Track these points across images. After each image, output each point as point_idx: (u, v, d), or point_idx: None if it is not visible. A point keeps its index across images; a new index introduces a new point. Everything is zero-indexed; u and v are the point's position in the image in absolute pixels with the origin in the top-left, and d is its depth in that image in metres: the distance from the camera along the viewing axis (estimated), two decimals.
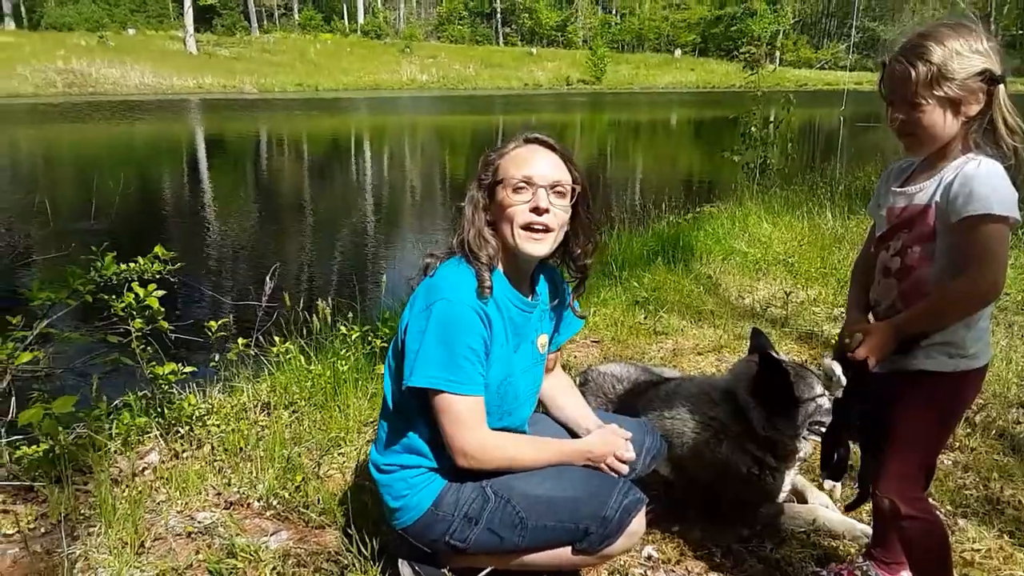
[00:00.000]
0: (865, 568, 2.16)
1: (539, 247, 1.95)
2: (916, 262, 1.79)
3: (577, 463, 2.03)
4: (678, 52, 60.01)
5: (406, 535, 2.06)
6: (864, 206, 7.56)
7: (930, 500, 2.01)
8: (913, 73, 1.68)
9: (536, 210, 1.91)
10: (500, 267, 1.99)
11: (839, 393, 1.86)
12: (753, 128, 9.05)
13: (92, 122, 23.95)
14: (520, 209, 1.92)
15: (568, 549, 1.96)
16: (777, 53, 57.64)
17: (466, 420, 1.89)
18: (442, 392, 1.86)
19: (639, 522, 1.96)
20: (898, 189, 1.87)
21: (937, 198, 1.73)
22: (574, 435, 2.22)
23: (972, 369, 1.79)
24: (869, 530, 2.41)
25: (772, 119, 9.45)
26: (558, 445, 2.07)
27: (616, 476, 2.04)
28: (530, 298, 2.08)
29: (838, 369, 1.81)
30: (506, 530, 1.94)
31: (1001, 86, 1.68)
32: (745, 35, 54.11)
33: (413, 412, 1.98)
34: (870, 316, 1.95)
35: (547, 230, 1.94)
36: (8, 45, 38.37)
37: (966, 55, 1.66)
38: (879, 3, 64.95)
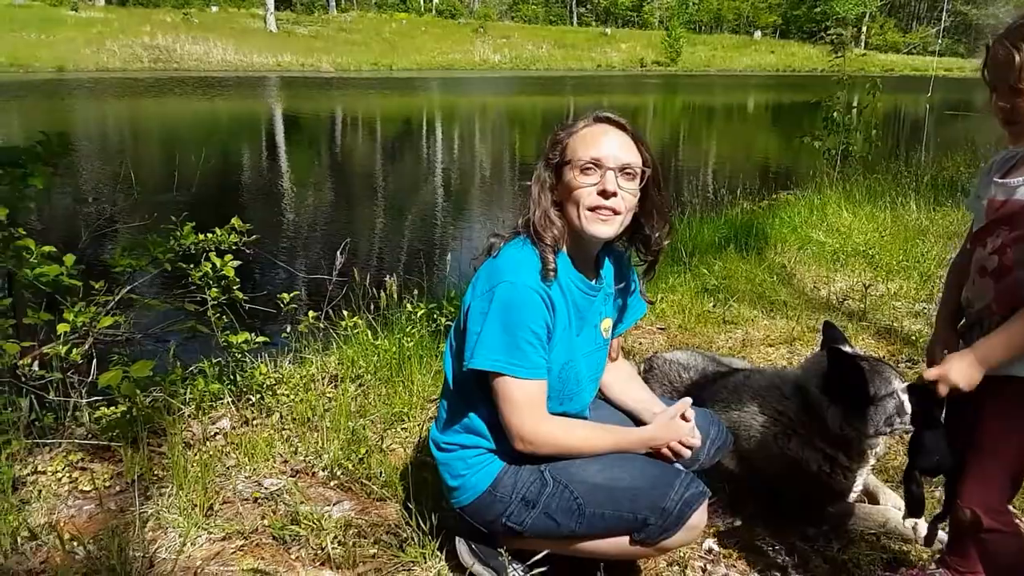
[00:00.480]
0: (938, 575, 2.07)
1: (605, 228, 1.90)
2: (1014, 263, 1.67)
3: (638, 451, 1.99)
4: (758, 34, 58.35)
5: (464, 514, 2.06)
6: (951, 197, 7.24)
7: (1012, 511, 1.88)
8: (1017, 57, 1.57)
9: (604, 193, 1.87)
10: (565, 249, 1.96)
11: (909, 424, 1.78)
12: (836, 113, 8.73)
13: (176, 97, 24.80)
14: (587, 191, 1.88)
15: (626, 539, 1.93)
16: (863, 36, 55.44)
17: (525, 404, 1.87)
18: (503, 375, 1.85)
19: (700, 516, 1.91)
20: (1000, 180, 1.76)
21: None
22: (637, 422, 2.19)
23: None
24: (943, 534, 2.31)
25: (856, 104, 9.10)
26: (618, 432, 2.03)
27: (679, 467, 2.00)
28: (594, 281, 2.04)
29: (905, 397, 1.73)
30: (563, 515, 1.92)
31: None
32: (829, 17, 52.21)
33: (473, 393, 1.97)
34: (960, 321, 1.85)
35: (615, 212, 1.89)
36: (98, 21, 39.94)
37: None
38: None
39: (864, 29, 56.57)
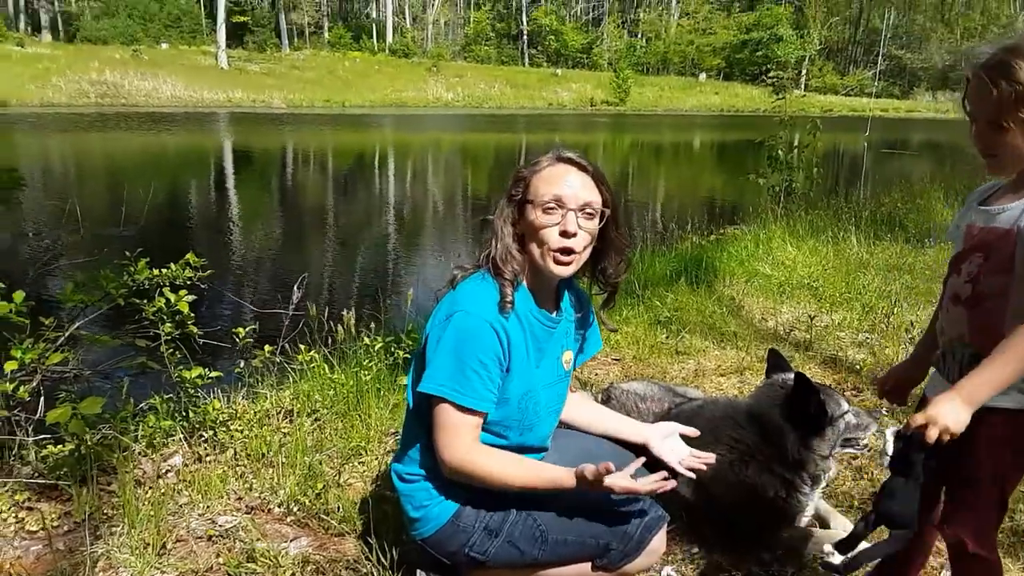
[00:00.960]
0: None
1: (564, 269, 1.95)
2: (990, 291, 1.65)
3: (564, 488, 1.90)
4: (703, 76, 60.06)
5: (426, 546, 2.05)
6: (890, 232, 7.54)
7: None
8: (995, 92, 1.56)
9: (565, 233, 1.91)
10: (525, 282, 2.00)
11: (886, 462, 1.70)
12: (779, 152, 9.04)
13: (123, 132, 24.37)
14: (550, 232, 1.92)
15: (588, 565, 1.95)
16: (803, 79, 57.51)
17: (455, 431, 1.88)
18: (444, 401, 1.87)
19: (660, 540, 1.95)
20: (979, 207, 1.75)
21: (1021, 223, 1.59)
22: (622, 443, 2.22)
23: None
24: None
25: (797, 143, 9.43)
26: (543, 470, 1.95)
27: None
28: (555, 314, 2.09)
29: (889, 436, 1.66)
30: (527, 544, 1.93)
31: None
32: (771, 60, 54.08)
33: (431, 420, 1.97)
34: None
35: (574, 251, 1.94)
36: (44, 56, 39.18)
37: None
38: (906, 32, 64.84)
39: (804, 72, 58.67)
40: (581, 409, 2.33)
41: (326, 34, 62.54)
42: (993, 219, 1.68)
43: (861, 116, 35.62)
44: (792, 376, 2.48)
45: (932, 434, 1.54)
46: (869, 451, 3.13)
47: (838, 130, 27.01)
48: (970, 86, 1.64)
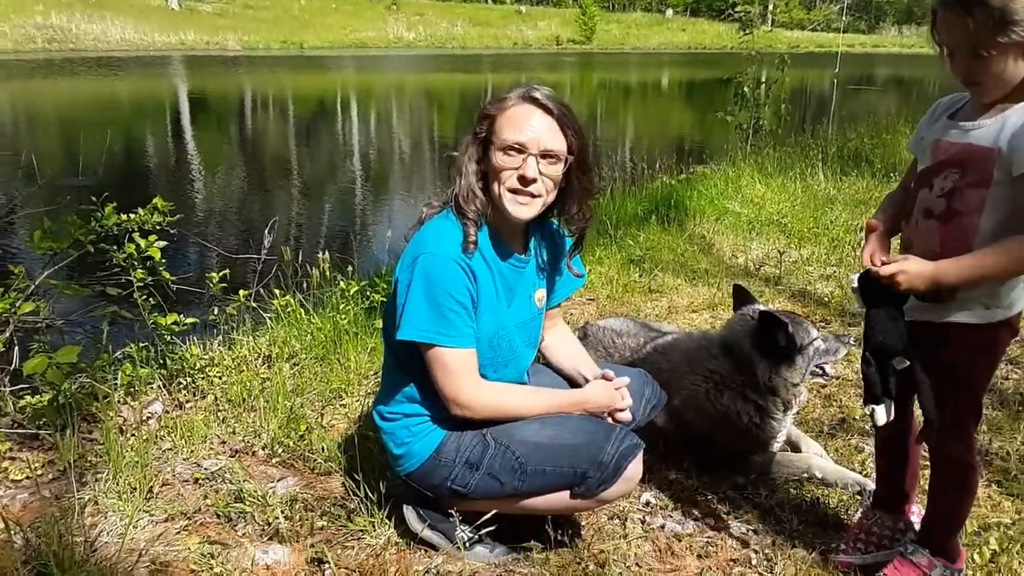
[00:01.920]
0: (881, 520, 2.15)
1: (524, 211, 1.95)
2: (966, 208, 1.66)
3: (573, 412, 2.07)
4: (669, 12, 59.30)
5: (410, 480, 2.10)
6: (856, 167, 7.61)
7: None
8: (971, 22, 1.53)
9: (523, 179, 1.90)
10: (491, 222, 2.00)
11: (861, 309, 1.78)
12: (746, 89, 9.02)
13: (73, 79, 23.51)
14: (509, 175, 1.91)
15: (567, 493, 2.00)
16: (770, 14, 57.07)
17: (458, 371, 1.92)
18: (433, 345, 1.89)
19: (635, 467, 2.00)
20: (951, 121, 1.73)
21: (1001, 143, 1.59)
22: (575, 385, 2.27)
23: (1008, 317, 1.74)
24: (861, 478, 2.48)
25: (765, 80, 9.42)
26: (553, 395, 2.11)
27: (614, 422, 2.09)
28: (523, 254, 2.09)
29: (855, 280, 1.74)
30: (506, 475, 1.98)
31: None
32: None
33: (411, 363, 2.00)
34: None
35: (534, 196, 1.93)
36: None
37: None
38: None
39: (770, 7, 58.20)
40: (559, 347, 2.37)
41: None
42: (967, 134, 1.67)
43: (828, 52, 35.54)
44: (759, 308, 2.57)
45: (897, 276, 1.64)
46: (838, 379, 3.25)
47: (805, 66, 26.98)
48: (939, 18, 1.61)
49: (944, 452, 1.87)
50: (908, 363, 1.70)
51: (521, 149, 1.90)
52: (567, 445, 1.97)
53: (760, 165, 7.70)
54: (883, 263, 1.69)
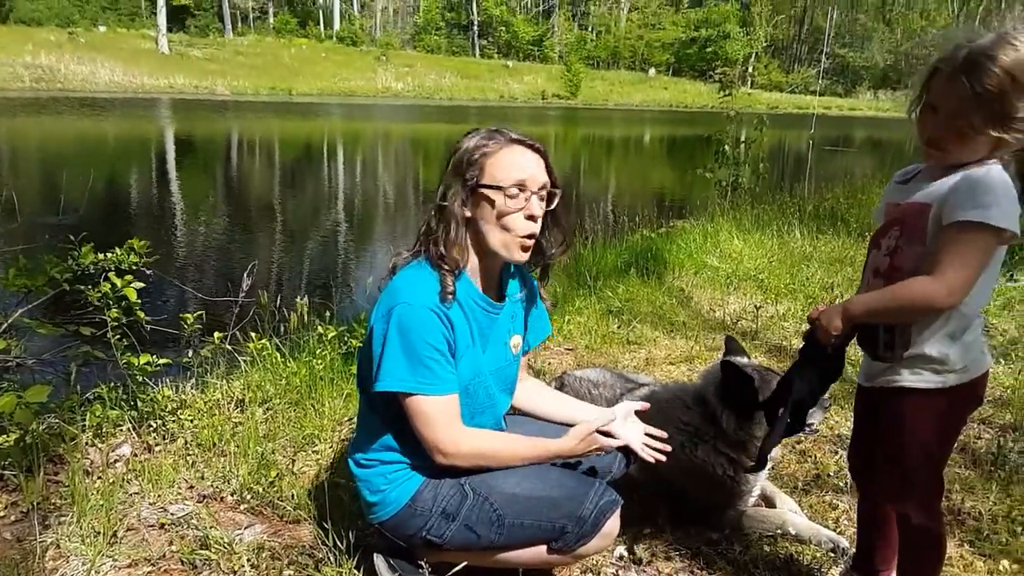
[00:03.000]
0: None
1: (525, 255, 1.97)
2: (904, 265, 1.71)
3: (555, 460, 2.05)
4: (652, 71, 60.73)
5: (383, 529, 2.07)
6: (832, 226, 7.76)
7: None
8: (975, 100, 1.56)
9: (531, 217, 1.91)
10: (468, 269, 1.99)
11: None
12: (726, 147, 9.21)
13: (59, 118, 23.54)
14: (515, 217, 1.90)
15: (544, 548, 1.98)
16: (749, 76, 58.61)
17: (440, 419, 1.90)
18: (413, 395, 1.88)
19: (614, 523, 1.98)
20: (900, 184, 1.81)
21: (934, 198, 1.65)
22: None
23: (964, 383, 1.74)
24: (835, 536, 2.48)
25: (744, 139, 9.63)
26: (536, 443, 2.08)
27: (592, 477, 2.08)
28: (497, 300, 2.09)
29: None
30: (483, 527, 1.96)
31: None
32: (719, 57, 55.05)
33: (388, 412, 1.98)
34: None
35: (534, 237, 1.95)
36: None
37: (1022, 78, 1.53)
38: (849, 31, 66.60)
39: (750, 69, 59.82)
40: (543, 396, 2.34)
41: (271, 19, 61.44)
42: (910, 195, 1.73)
43: (806, 113, 36.47)
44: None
45: (820, 319, 1.80)
46: (814, 433, 3.25)
47: (783, 127, 27.64)
48: (943, 77, 1.62)
49: (906, 520, 1.87)
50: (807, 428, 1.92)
51: (523, 188, 1.90)
52: (547, 498, 1.95)
53: (738, 221, 7.82)
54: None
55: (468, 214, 1.95)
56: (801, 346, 1.93)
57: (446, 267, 1.92)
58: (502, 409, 2.20)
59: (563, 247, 2.11)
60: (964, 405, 1.81)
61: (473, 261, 1.99)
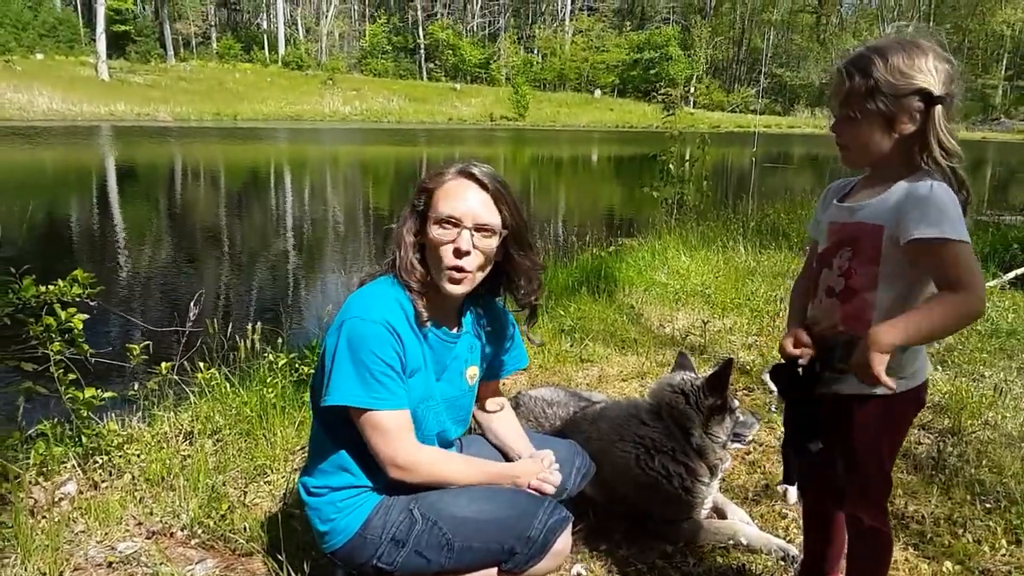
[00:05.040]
0: None
1: (457, 288, 1.97)
2: (860, 285, 1.76)
3: (504, 485, 2.07)
4: (598, 92, 61.66)
5: (335, 559, 2.06)
6: (775, 241, 7.96)
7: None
8: (848, 84, 1.67)
9: (457, 252, 1.93)
10: (425, 293, 2.00)
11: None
12: (671, 166, 9.40)
13: None
14: (445, 249, 1.93)
15: (494, 570, 1.99)
16: (691, 96, 59.91)
17: (395, 432, 1.91)
18: (366, 410, 1.88)
19: (564, 541, 2.00)
20: (840, 204, 1.85)
21: (887, 219, 1.70)
22: (507, 458, 2.28)
23: (911, 388, 1.80)
24: (785, 544, 2.54)
25: (688, 158, 9.85)
26: (486, 465, 2.12)
27: (543, 496, 2.09)
28: (455, 330, 2.11)
29: (766, 375, 1.88)
30: (433, 552, 1.95)
31: (937, 107, 1.65)
32: (661, 78, 56.16)
33: (340, 429, 1.98)
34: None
35: (466, 271, 1.95)
36: None
37: (907, 72, 1.63)
38: (785, 51, 68.71)
39: (692, 89, 61.16)
40: (496, 424, 2.37)
41: (214, 45, 60.83)
42: (854, 214, 1.79)
43: (746, 132, 37.40)
44: (685, 376, 2.69)
45: (873, 365, 1.61)
46: (761, 445, 3.34)
47: (725, 145, 28.29)
48: (833, 82, 1.74)
49: (857, 522, 1.92)
50: (822, 445, 1.81)
51: (456, 223, 1.93)
52: (495, 520, 1.96)
53: (685, 238, 7.98)
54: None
55: (420, 240, 2.00)
56: (777, 385, 1.91)
57: (412, 289, 1.95)
58: (450, 438, 2.20)
59: (532, 288, 2.12)
60: (912, 409, 1.88)
61: (430, 288, 2.00)
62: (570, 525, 2.01)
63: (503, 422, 2.37)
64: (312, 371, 3.58)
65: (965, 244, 1.61)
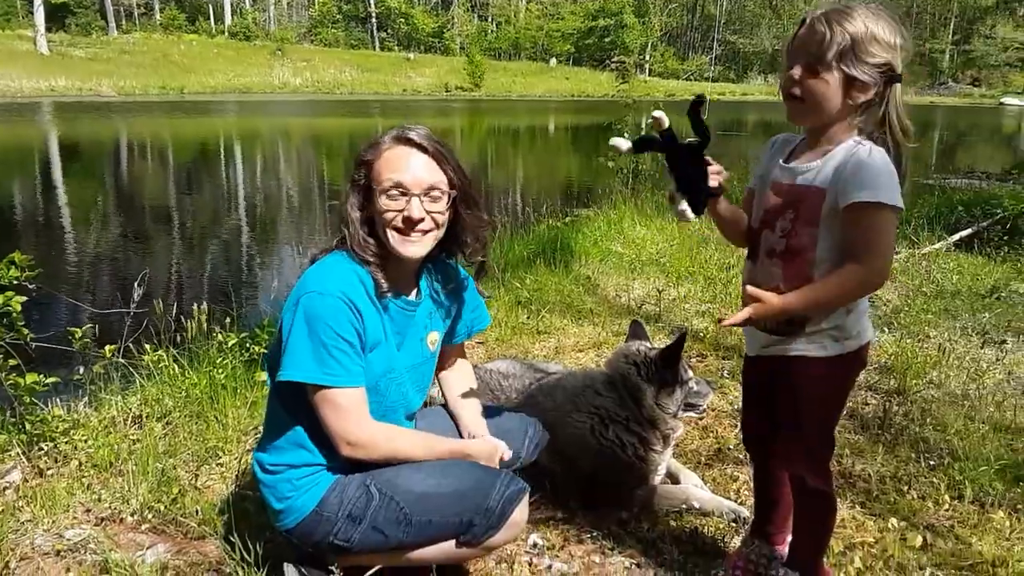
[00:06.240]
0: (758, 548, 2.23)
1: (416, 249, 1.97)
2: (801, 245, 1.78)
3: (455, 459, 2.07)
4: (553, 61, 61.28)
5: (291, 537, 2.04)
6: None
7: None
8: (827, 35, 1.66)
9: (408, 220, 1.92)
10: (381, 264, 1.99)
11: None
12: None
13: None
14: (393, 215, 1.93)
15: (452, 543, 1.99)
16: (646, 64, 59.91)
17: (349, 409, 1.90)
18: (321, 387, 1.87)
19: (521, 512, 2.01)
20: (784, 164, 1.86)
21: (828, 182, 1.72)
22: (459, 428, 2.28)
23: (856, 348, 1.84)
24: (736, 506, 2.59)
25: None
26: (440, 442, 2.11)
27: (498, 468, 2.10)
28: (413, 296, 2.10)
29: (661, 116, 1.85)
30: (391, 527, 1.95)
31: (897, 85, 1.69)
32: (617, 46, 56.04)
33: (296, 406, 1.96)
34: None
35: (424, 233, 1.96)
36: None
37: (880, 42, 1.66)
38: (739, 18, 68.98)
39: (647, 57, 61.16)
40: (452, 388, 2.37)
41: (158, 16, 58.81)
42: (796, 177, 1.81)
43: None
44: (640, 344, 2.69)
45: (752, 317, 1.74)
46: (714, 411, 3.39)
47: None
48: (804, 27, 1.72)
49: (802, 483, 1.96)
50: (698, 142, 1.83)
51: (405, 191, 1.92)
52: (453, 493, 1.96)
53: (640, 208, 8.01)
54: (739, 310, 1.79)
55: (367, 214, 1.98)
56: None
57: (368, 263, 1.94)
58: (414, 408, 2.20)
59: (478, 246, 2.12)
60: (856, 369, 1.92)
61: (386, 256, 1.98)
62: (527, 496, 2.02)
63: (460, 387, 2.36)
64: (264, 350, 3.54)
65: (897, 211, 1.66)
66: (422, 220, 1.93)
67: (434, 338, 2.19)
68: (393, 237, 1.95)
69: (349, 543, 1.97)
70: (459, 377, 2.40)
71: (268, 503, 2.04)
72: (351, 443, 1.91)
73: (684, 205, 1.86)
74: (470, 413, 2.32)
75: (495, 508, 1.95)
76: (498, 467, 2.12)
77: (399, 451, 2.00)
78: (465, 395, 2.36)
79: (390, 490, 1.96)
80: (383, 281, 1.95)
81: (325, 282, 1.89)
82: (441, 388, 2.40)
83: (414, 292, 2.12)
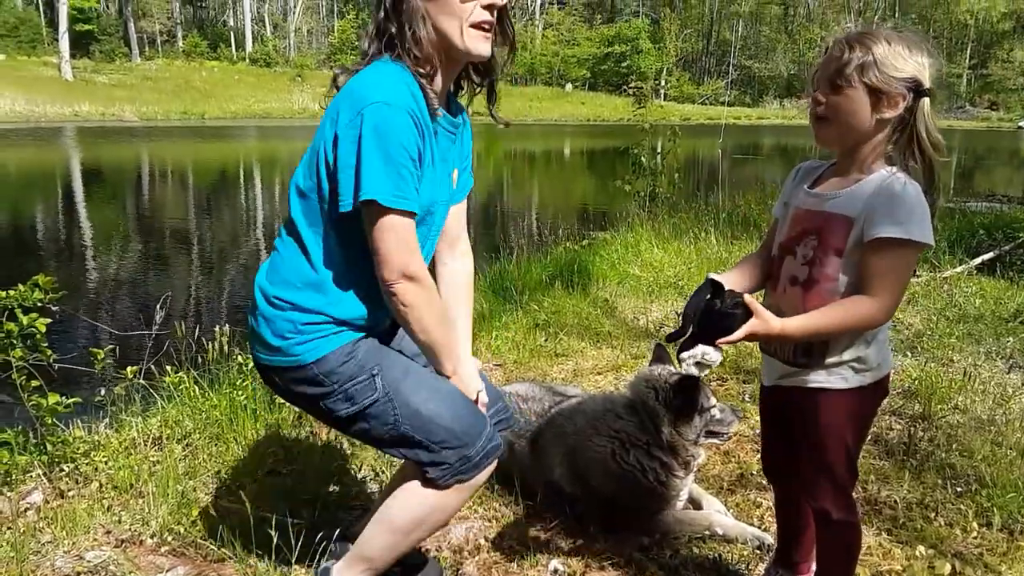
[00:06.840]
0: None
1: (487, 46, 1.81)
2: (824, 275, 1.75)
3: (447, 374, 1.97)
4: (569, 86, 61.65)
5: (268, 373, 1.93)
6: (745, 231, 8.01)
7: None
8: (847, 54, 1.66)
9: (491, 7, 1.77)
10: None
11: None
12: (643, 159, 9.43)
13: None
14: (472, 5, 1.75)
15: (420, 491, 1.90)
16: (662, 89, 60.16)
17: (412, 240, 1.75)
18: (391, 211, 1.69)
19: (488, 471, 1.94)
20: (809, 190, 1.84)
21: (856, 212, 1.70)
22: None
23: (878, 379, 1.82)
24: (760, 533, 2.55)
25: (659, 150, 9.88)
26: (450, 346, 1.97)
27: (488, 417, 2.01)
28: (455, 116, 1.95)
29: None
30: (377, 425, 1.87)
31: (926, 100, 1.68)
32: (632, 71, 56.35)
33: (328, 238, 1.83)
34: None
35: (492, 28, 1.81)
36: None
37: (904, 58, 1.66)
38: (754, 43, 69.26)
39: (663, 82, 61.41)
40: (447, 287, 2.15)
41: (180, 43, 59.77)
42: (824, 203, 1.77)
43: (717, 123, 37.61)
44: (664, 368, 2.66)
45: (738, 334, 1.69)
46: (732, 438, 3.35)
47: (696, 137, 28.46)
48: (827, 53, 1.72)
49: (826, 515, 1.91)
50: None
51: None
52: (445, 428, 1.87)
53: (657, 231, 7.99)
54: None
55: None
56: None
57: (423, 71, 1.76)
58: (428, 255, 1.99)
59: (511, 56, 1.98)
60: (878, 400, 1.89)
61: (436, 68, 1.82)
62: (499, 453, 1.96)
63: (462, 293, 2.18)
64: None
65: (917, 249, 1.66)
66: (504, 5, 1.79)
67: (455, 176, 2.03)
68: (467, 34, 1.76)
69: (331, 415, 1.89)
70: (462, 268, 2.17)
71: (258, 332, 1.89)
72: (409, 275, 1.74)
73: (707, 349, 1.75)
74: (463, 327, 2.16)
75: (474, 457, 1.88)
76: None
77: (433, 312, 1.85)
78: (464, 302, 2.17)
79: (393, 392, 1.86)
80: (435, 98, 1.77)
81: (389, 91, 1.69)
82: (438, 275, 2.12)
83: (453, 112, 1.96)
